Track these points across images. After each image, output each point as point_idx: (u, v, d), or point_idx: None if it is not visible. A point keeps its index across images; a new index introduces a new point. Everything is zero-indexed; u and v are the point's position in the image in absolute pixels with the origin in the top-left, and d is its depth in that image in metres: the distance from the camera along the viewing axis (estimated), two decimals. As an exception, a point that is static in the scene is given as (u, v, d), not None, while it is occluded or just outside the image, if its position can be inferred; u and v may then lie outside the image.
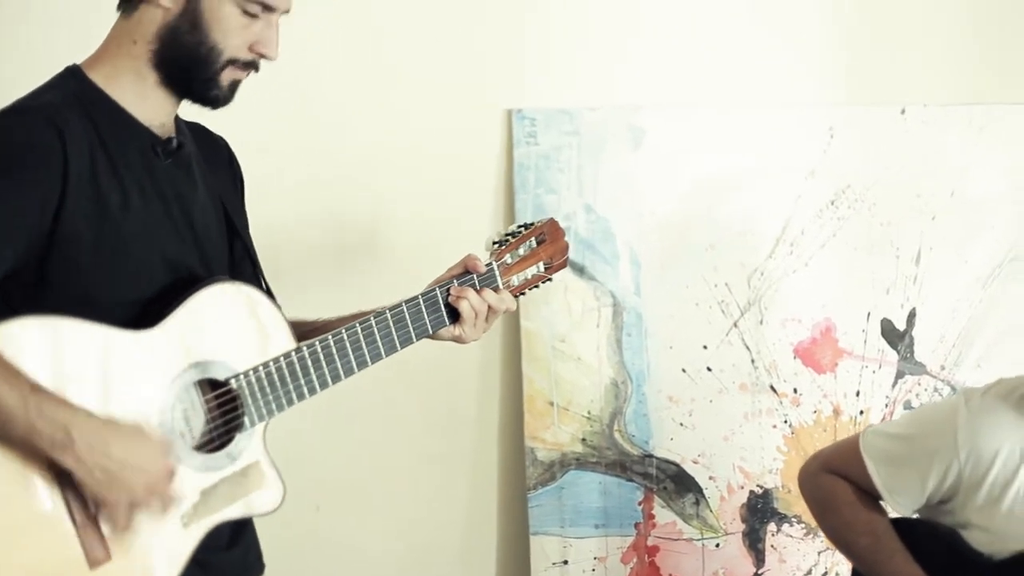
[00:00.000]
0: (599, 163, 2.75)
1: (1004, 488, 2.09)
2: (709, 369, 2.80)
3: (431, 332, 1.94)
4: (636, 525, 2.78)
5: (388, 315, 1.83)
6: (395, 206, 2.66)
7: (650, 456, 2.77)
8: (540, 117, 2.72)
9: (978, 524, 2.13)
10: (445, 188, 2.69)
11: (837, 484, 2.28)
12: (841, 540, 2.27)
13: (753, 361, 2.81)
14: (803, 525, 2.83)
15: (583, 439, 2.75)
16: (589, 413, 2.74)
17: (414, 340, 1.87)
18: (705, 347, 2.80)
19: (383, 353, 1.83)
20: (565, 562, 2.75)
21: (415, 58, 2.65)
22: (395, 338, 1.85)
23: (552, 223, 2.12)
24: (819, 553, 2.85)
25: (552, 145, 2.72)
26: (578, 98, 2.76)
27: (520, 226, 2.08)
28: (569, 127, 2.74)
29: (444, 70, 2.67)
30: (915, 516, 2.26)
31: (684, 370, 2.79)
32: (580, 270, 2.74)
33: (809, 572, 2.86)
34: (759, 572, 2.84)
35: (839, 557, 2.79)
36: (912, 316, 2.88)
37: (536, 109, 2.72)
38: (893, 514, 2.25)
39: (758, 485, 2.83)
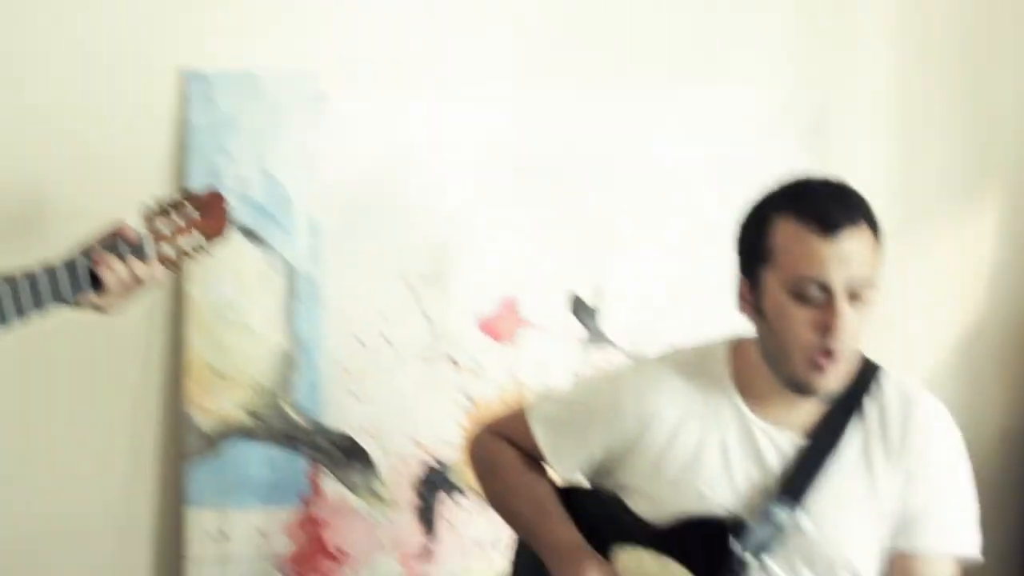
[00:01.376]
0: (279, 128, 2.66)
1: (667, 454, 2.09)
2: (387, 339, 2.74)
3: (70, 300, 1.84)
4: (303, 498, 2.70)
5: (19, 279, 1.73)
6: (60, 174, 2.54)
7: (320, 427, 2.70)
8: (217, 79, 2.62)
9: (642, 490, 2.12)
10: (113, 152, 2.57)
11: (502, 448, 2.26)
12: (503, 506, 2.25)
13: (433, 332, 2.76)
14: (478, 499, 2.79)
15: (249, 409, 2.66)
16: (257, 383, 2.66)
17: (49, 306, 1.77)
18: (384, 317, 2.74)
19: (6, 318, 1.73)
20: (226, 536, 2.66)
21: (79, 15, 2.53)
22: (24, 303, 1.75)
23: (214, 193, 2.04)
24: (493, 525, 2.79)
25: (229, 108, 2.63)
26: (258, 60, 2.66)
27: (180, 194, 2.00)
28: (248, 90, 2.64)
29: (112, 28, 2.56)
30: (580, 483, 2.24)
31: (360, 340, 2.72)
32: (254, 236, 2.65)
33: (485, 545, 2.82)
34: (431, 545, 2.79)
35: (512, 531, 2.77)
36: (600, 290, 2.87)
37: (213, 70, 2.62)
38: (559, 480, 2.23)
39: (434, 458, 2.78)
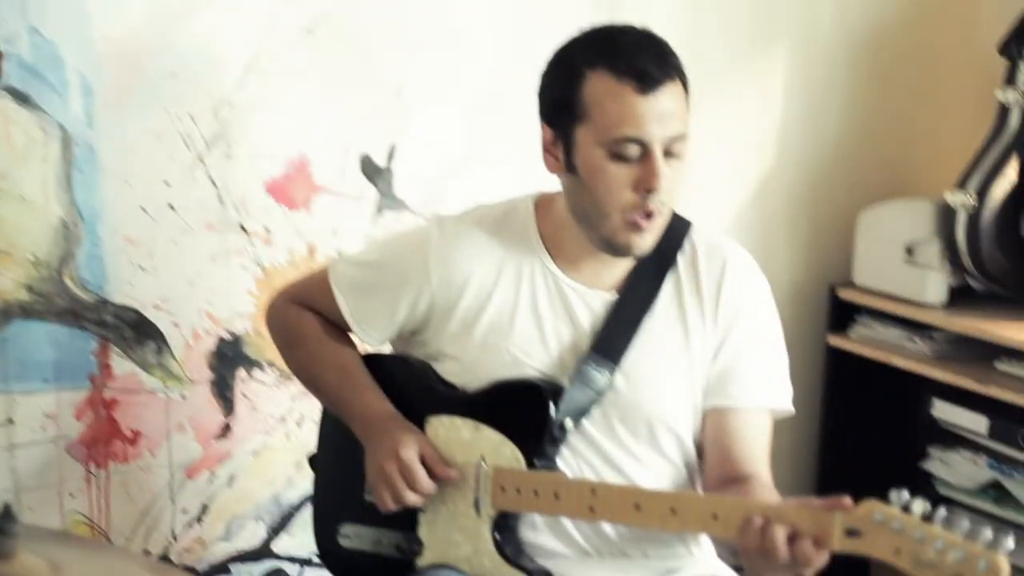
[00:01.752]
0: (44, -21, 2.45)
1: (476, 316, 2.04)
2: (172, 207, 2.60)
3: None
4: (91, 378, 2.57)
5: None
6: None
7: (106, 302, 2.56)
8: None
9: (451, 354, 2.06)
10: None
11: (304, 316, 2.17)
12: (308, 376, 2.18)
13: (220, 198, 2.64)
14: (276, 371, 2.71)
15: (28, 286, 2.50)
16: (35, 257, 2.49)
17: None
18: (167, 183, 2.59)
19: None
20: (10, 420, 2.51)
21: None
22: None
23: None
24: (292, 399, 2.74)
25: (-13, -42, 2.41)
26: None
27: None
28: (8, -62, 2.42)
29: None
30: (387, 350, 2.18)
31: (144, 208, 2.58)
32: (23, 99, 2.45)
33: (283, 419, 2.75)
34: (228, 421, 2.71)
35: (314, 403, 2.68)
36: (392, 150, 2.78)
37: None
38: (365, 348, 2.15)
39: (227, 330, 2.68)
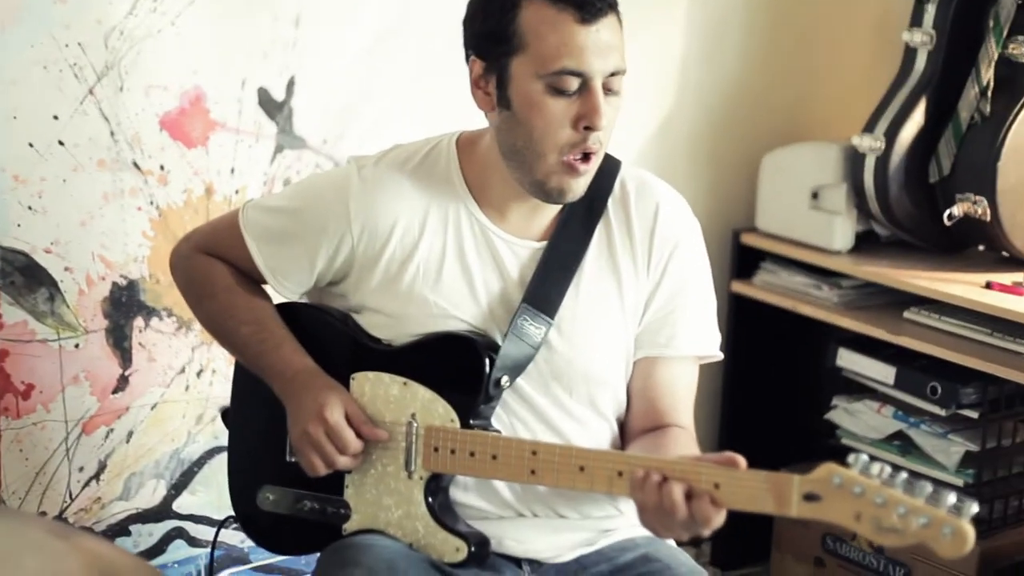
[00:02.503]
0: None
1: (402, 265, 1.94)
2: (61, 143, 2.43)
3: None
4: (-23, 328, 2.41)
5: None
6: None
7: (-8, 246, 2.39)
8: None
9: (375, 307, 1.97)
10: None
11: (214, 266, 2.05)
12: (220, 329, 2.06)
13: (113, 134, 2.47)
14: (175, 319, 2.57)
15: (-94, 229, 2.32)
16: (-87, 197, 2.31)
17: None
18: (56, 117, 2.42)
19: None
20: None
21: None
22: None
23: None
24: (193, 349, 2.61)
25: None
26: None
27: None
28: None
29: None
30: (305, 301, 2.06)
31: (31, 144, 2.40)
32: None
33: (182, 370, 2.62)
34: (126, 373, 2.56)
35: (216, 352, 2.58)
36: (291, 85, 2.64)
37: None
38: (280, 299, 2.04)
39: (122, 276, 2.52)
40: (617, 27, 1.87)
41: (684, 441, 1.94)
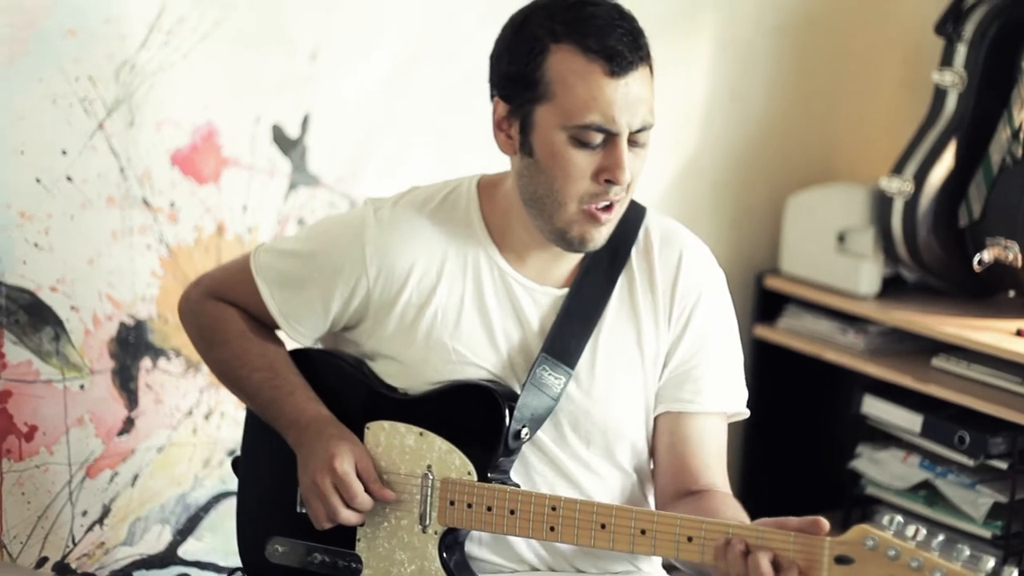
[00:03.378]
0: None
1: (419, 311, 1.87)
2: (70, 179, 2.37)
3: None
4: (-18, 367, 2.34)
5: None
6: None
7: (-1, 284, 2.32)
8: None
9: (390, 354, 1.90)
10: None
11: (225, 312, 1.99)
12: (232, 376, 1.99)
13: (123, 170, 2.42)
14: (183, 360, 2.51)
15: (-90, 265, 2.26)
16: (-82, 233, 2.25)
17: None
18: (64, 152, 2.36)
19: None
20: None
21: None
22: None
23: None
24: (201, 391, 2.54)
25: None
26: None
27: None
28: None
29: None
30: (318, 347, 2.00)
31: (39, 180, 2.35)
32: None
33: (190, 412, 2.55)
34: (132, 415, 2.49)
35: (225, 394, 2.51)
36: (306, 121, 2.59)
37: None
38: (293, 345, 1.98)
39: (129, 315, 2.46)
40: (647, 79, 1.80)
41: (723, 507, 1.85)
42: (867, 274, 2.94)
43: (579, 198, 1.79)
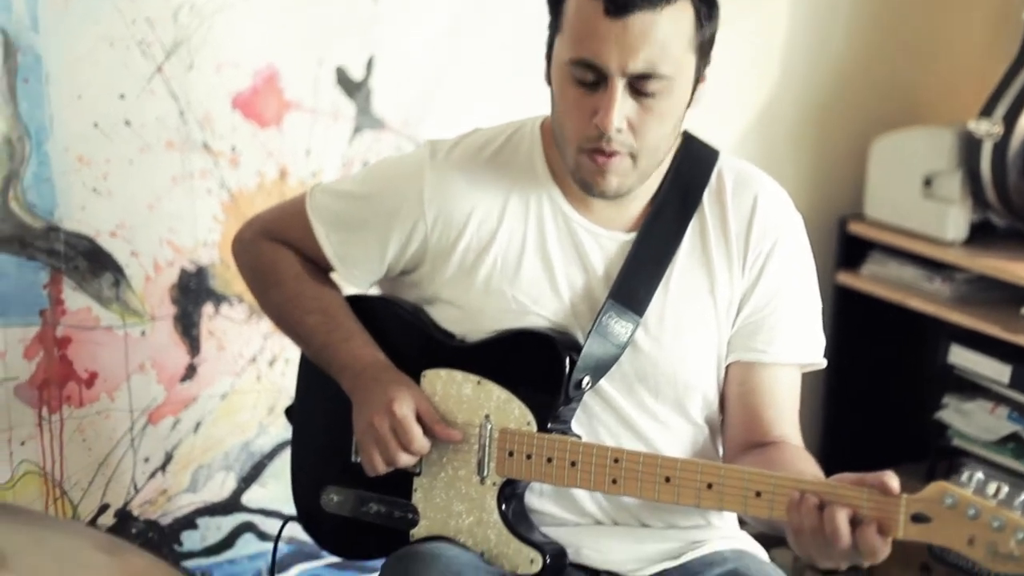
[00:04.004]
0: None
1: (479, 256, 1.82)
2: (128, 123, 2.33)
3: None
4: (42, 313, 2.31)
5: None
6: None
7: (56, 229, 2.29)
8: None
9: (448, 300, 1.84)
10: None
11: (280, 253, 1.94)
12: (286, 319, 1.95)
13: (182, 113, 2.37)
14: (245, 306, 2.47)
15: (-32, 210, 2.24)
16: (-24, 177, 2.22)
17: None
18: (122, 96, 2.32)
19: None
20: (-48, 362, 2.27)
21: None
22: None
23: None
24: (264, 337, 2.51)
25: None
26: None
27: None
28: None
29: None
30: (375, 292, 1.95)
31: (96, 124, 2.31)
32: (-44, -2, 2.17)
33: (253, 359, 2.52)
34: (194, 361, 2.46)
35: (289, 341, 2.45)
36: (370, 64, 2.53)
37: None
38: (349, 289, 1.93)
39: (191, 261, 2.43)
40: (662, 25, 1.68)
41: (796, 460, 1.78)
42: (954, 219, 2.85)
43: (578, 139, 1.73)
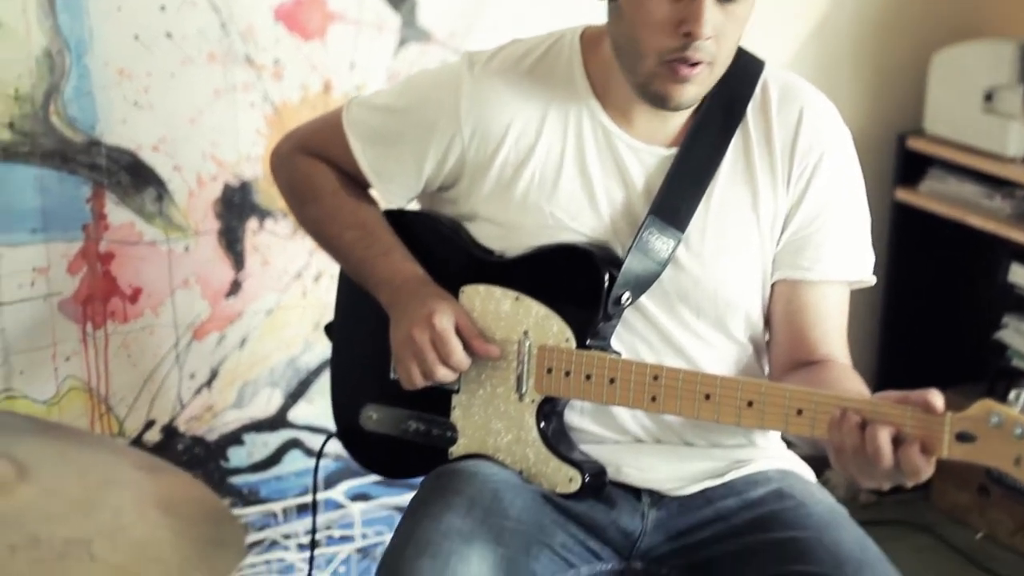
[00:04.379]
0: None
1: (516, 171, 1.78)
2: (169, 36, 2.31)
3: None
4: (85, 227, 2.31)
5: None
6: None
7: (98, 143, 2.28)
8: None
9: (487, 215, 1.81)
10: None
11: (317, 168, 1.92)
12: (324, 234, 1.94)
13: (224, 26, 2.34)
14: (289, 221, 2.45)
15: (10, 124, 2.22)
16: (17, 92, 2.21)
17: None
18: (163, 8, 2.29)
19: None
20: (-6, 276, 2.28)
21: None
22: None
23: None
24: (310, 253, 2.48)
25: None
26: None
27: None
28: None
29: None
30: (412, 208, 1.92)
31: (137, 37, 2.28)
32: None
33: (299, 275, 2.51)
34: (238, 277, 2.45)
35: (334, 257, 2.46)
36: (416, -26, 2.48)
37: None
38: (386, 205, 1.90)
39: (234, 175, 2.41)
40: None
41: (842, 378, 1.74)
42: (1016, 135, 2.79)
43: (658, 51, 1.67)
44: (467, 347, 1.78)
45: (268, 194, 2.43)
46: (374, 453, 1.96)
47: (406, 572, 1.61)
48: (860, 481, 1.58)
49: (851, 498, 2.86)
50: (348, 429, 1.96)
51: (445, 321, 1.76)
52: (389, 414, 1.90)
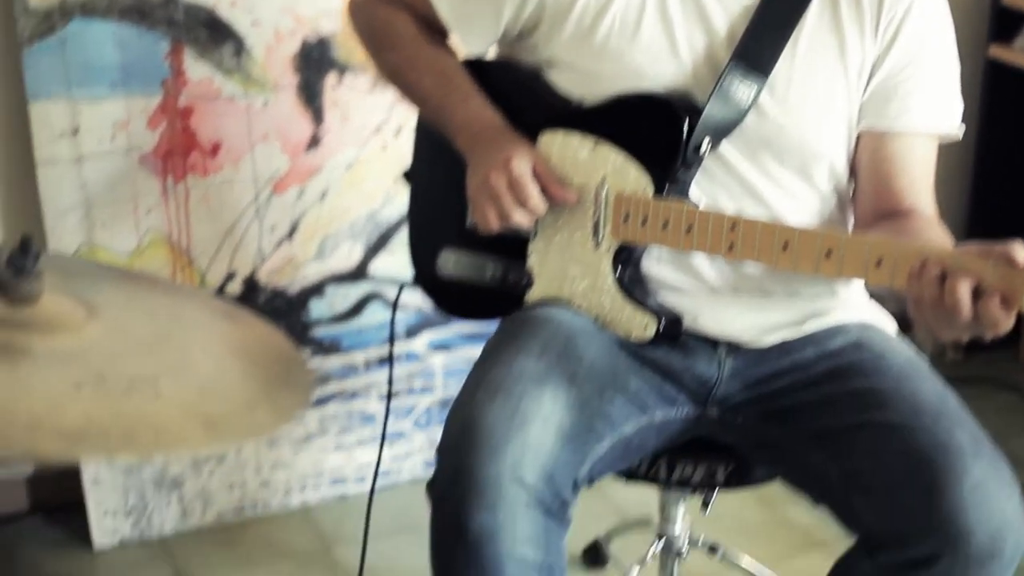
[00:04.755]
0: None
1: (597, 16, 1.75)
2: None
3: None
4: (163, 83, 2.32)
5: None
6: None
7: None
8: None
9: (566, 62, 1.78)
10: None
11: (396, 16, 1.90)
12: (402, 80, 1.92)
13: None
14: (369, 76, 2.44)
15: (89, -23, 2.23)
16: (95, -54, 2.21)
17: None
18: None
19: None
20: (76, 130, 2.28)
21: None
22: None
23: None
24: (390, 108, 2.48)
25: None
26: None
27: None
28: None
29: None
30: (491, 57, 1.91)
31: None
32: None
33: (378, 129, 2.50)
34: (318, 132, 2.45)
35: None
36: None
37: None
38: (465, 53, 1.89)
39: (312, 30, 2.40)
40: None
41: (926, 229, 1.72)
42: (1116, -14, 2.68)
43: None
44: (544, 192, 1.76)
45: (347, 48, 2.41)
46: (451, 296, 1.96)
47: (475, 414, 1.61)
48: (938, 333, 1.55)
49: (938, 354, 2.82)
50: (426, 273, 1.97)
51: (523, 165, 1.74)
52: (466, 259, 1.90)
